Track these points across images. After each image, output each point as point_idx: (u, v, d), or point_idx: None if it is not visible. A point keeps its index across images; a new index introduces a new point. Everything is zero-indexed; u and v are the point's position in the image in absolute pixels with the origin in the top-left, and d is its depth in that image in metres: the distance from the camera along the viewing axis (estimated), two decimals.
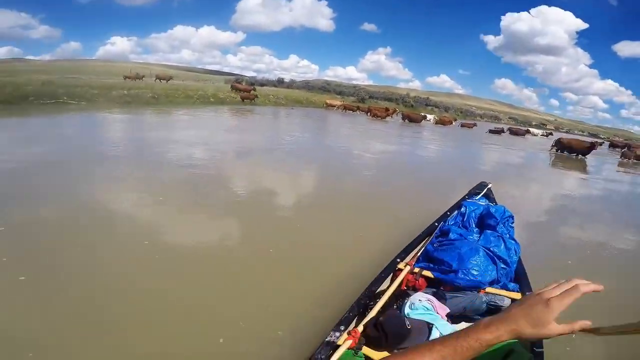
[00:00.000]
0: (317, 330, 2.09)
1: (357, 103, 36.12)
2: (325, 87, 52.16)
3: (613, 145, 30.95)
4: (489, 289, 2.27)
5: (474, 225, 3.02)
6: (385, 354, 1.57)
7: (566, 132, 45.63)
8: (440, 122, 29.61)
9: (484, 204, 3.35)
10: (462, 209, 3.17)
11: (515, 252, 2.58)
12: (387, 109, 28.04)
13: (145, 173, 5.59)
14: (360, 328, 1.67)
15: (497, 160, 13.34)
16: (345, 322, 1.75)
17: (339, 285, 2.70)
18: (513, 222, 2.97)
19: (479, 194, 3.94)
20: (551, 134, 34.78)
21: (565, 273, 3.40)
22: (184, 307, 2.39)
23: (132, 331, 2.13)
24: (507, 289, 2.31)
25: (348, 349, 1.55)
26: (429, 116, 30.39)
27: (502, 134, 27.43)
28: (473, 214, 3.10)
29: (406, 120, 26.81)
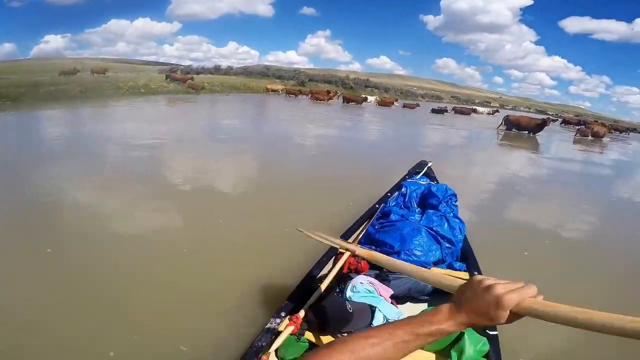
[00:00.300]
0: (254, 321, 2.04)
1: (297, 87, 34.82)
2: (265, 72, 51.02)
3: (566, 122, 31.71)
4: (434, 270, 2.26)
5: (415, 206, 2.98)
6: (329, 338, 1.59)
7: (512, 109, 47.30)
8: (382, 103, 29.51)
9: (424, 183, 3.32)
10: (403, 190, 3.12)
11: (460, 230, 2.57)
12: (328, 92, 27.82)
13: (56, 170, 5.14)
14: (302, 314, 1.62)
15: (440, 140, 13.16)
16: (285, 308, 1.72)
17: (275, 276, 2.60)
18: (456, 201, 2.96)
19: (419, 173, 3.92)
20: (497, 111, 35.60)
21: (523, 265, 3.31)
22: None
23: None
24: (454, 269, 2.33)
25: (290, 334, 1.52)
26: (370, 98, 29.98)
27: (446, 113, 27.73)
28: (414, 194, 3.06)
29: (348, 103, 26.47)
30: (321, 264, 2.18)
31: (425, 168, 4.03)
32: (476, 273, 2.20)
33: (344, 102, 27.16)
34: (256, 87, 32.83)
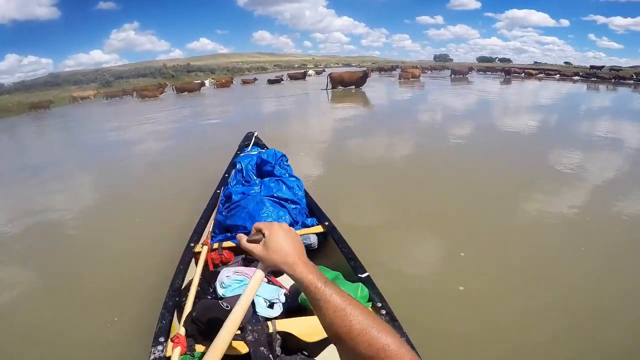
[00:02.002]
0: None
1: (101, 89, 29.93)
2: (53, 81, 41.11)
3: (381, 69, 38.94)
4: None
5: (255, 177, 3.04)
6: None
7: (324, 67, 51.07)
8: (220, 85, 27.87)
9: (255, 153, 3.40)
10: (238, 166, 3.16)
11: (299, 187, 2.71)
12: (159, 85, 24.92)
13: None
14: (182, 330, 1.52)
15: (281, 110, 13.51)
16: (162, 331, 1.57)
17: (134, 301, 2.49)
18: (287, 161, 3.12)
19: (248, 145, 4.05)
20: (324, 70, 37.32)
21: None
22: None
23: None
24: (307, 226, 2.43)
25: (182, 355, 1.43)
26: (207, 82, 27.96)
27: (282, 81, 28.49)
28: (249, 166, 3.11)
29: (182, 93, 25.13)
30: (180, 271, 2.02)
31: (253, 138, 4.17)
32: (327, 223, 2.35)
33: (178, 93, 25.39)
34: (42, 102, 25.80)
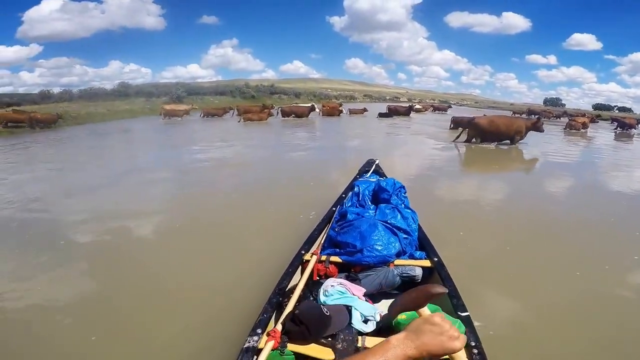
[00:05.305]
0: (230, 340, 2.14)
1: (177, 105, 28.10)
2: (123, 92, 40.26)
3: (546, 116, 33.87)
4: (397, 262, 2.52)
5: (369, 203, 3.24)
6: (313, 346, 1.66)
7: (419, 102, 48.07)
8: (326, 111, 26.39)
9: (374, 180, 3.62)
10: (356, 189, 3.39)
11: (414, 220, 2.87)
12: (264, 107, 24.73)
13: None
14: (279, 327, 1.70)
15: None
16: (261, 324, 1.78)
17: (243, 292, 2.80)
18: (405, 192, 3.28)
19: (368, 171, 4.27)
20: (449, 107, 33.11)
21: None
22: None
23: None
24: (415, 258, 2.60)
25: (272, 350, 1.59)
26: (316, 106, 25.55)
27: (394, 116, 26.22)
28: (366, 191, 3.31)
29: (288, 117, 23.73)
30: (288, 275, 2.26)
31: (374, 165, 4.37)
32: (436, 259, 2.51)
33: (284, 116, 24.02)
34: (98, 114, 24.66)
